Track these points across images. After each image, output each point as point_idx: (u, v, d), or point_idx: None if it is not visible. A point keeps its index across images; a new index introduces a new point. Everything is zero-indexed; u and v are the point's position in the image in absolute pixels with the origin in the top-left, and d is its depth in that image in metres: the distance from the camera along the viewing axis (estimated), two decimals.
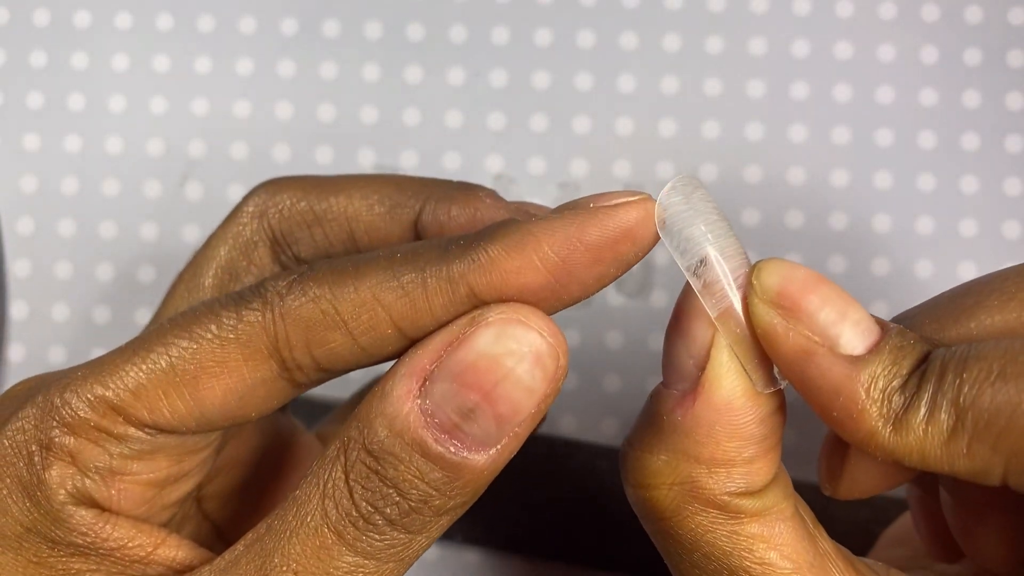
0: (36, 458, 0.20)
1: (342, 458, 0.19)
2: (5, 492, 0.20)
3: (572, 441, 0.35)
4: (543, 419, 0.29)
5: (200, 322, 0.20)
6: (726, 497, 0.19)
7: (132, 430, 0.20)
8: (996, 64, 0.37)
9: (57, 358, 0.37)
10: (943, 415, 0.18)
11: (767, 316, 0.19)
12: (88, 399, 0.20)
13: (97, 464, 0.20)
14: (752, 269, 0.19)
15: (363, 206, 0.24)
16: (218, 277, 0.24)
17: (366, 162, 0.37)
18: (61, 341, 0.37)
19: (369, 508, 0.19)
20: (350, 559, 0.19)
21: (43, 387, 0.20)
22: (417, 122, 0.37)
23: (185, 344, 0.20)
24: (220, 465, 0.25)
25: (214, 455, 0.23)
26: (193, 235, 0.37)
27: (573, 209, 0.19)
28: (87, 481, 0.20)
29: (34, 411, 0.20)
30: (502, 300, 0.19)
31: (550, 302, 0.19)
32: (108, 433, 0.20)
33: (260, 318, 0.19)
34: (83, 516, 0.20)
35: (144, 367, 0.20)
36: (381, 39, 0.38)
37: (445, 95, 0.38)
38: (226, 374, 0.19)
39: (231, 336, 0.19)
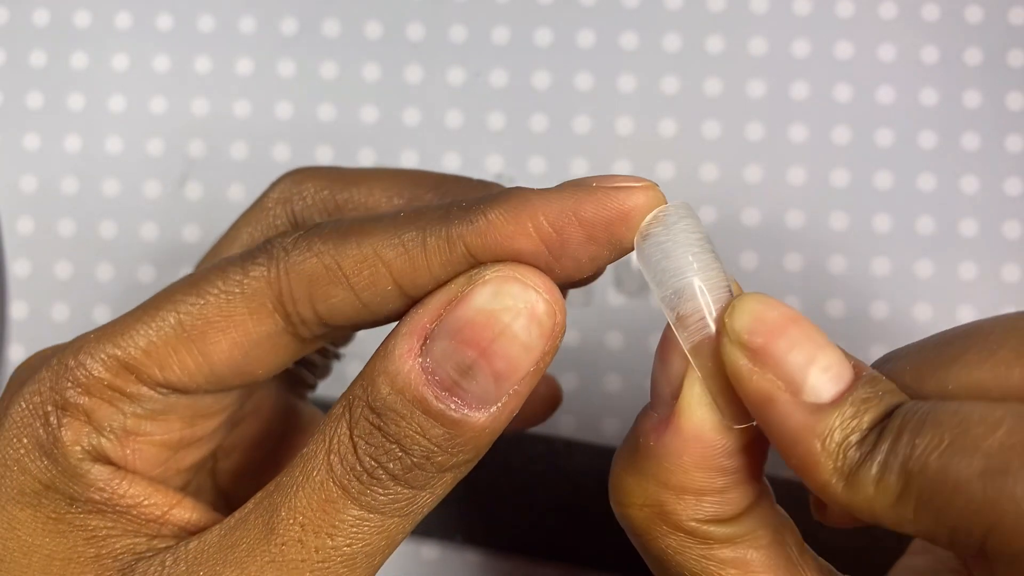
0: (52, 418, 0.20)
1: (347, 415, 0.19)
2: (23, 452, 0.20)
3: (572, 441, 0.35)
4: (552, 411, 0.29)
5: (207, 279, 0.20)
6: (694, 524, 0.19)
7: (145, 389, 0.20)
8: (996, 64, 0.37)
9: None
10: (892, 477, 0.17)
11: (733, 357, 0.19)
12: (101, 359, 0.20)
13: (112, 423, 0.20)
14: (728, 305, 0.19)
15: (383, 197, 0.24)
16: None
17: (366, 162, 0.37)
18: (61, 341, 0.37)
19: (373, 463, 0.19)
20: (355, 512, 0.19)
21: (57, 352, 0.21)
22: (417, 122, 0.37)
23: (192, 300, 0.20)
24: (236, 442, 0.26)
25: (227, 426, 0.23)
26: (193, 235, 0.37)
27: (575, 185, 0.19)
28: (103, 440, 0.20)
29: (49, 374, 0.20)
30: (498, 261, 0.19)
31: (544, 272, 0.19)
32: (121, 392, 0.20)
33: (265, 273, 0.20)
34: (100, 472, 0.20)
35: (153, 325, 0.20)
36: (381, 39, 0.38)
37: (445, 95, 0.38)
38: (232, 328, 0.20)
39: (236, 291, 0.20)
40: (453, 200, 0.20)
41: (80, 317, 0.37)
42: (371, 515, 0.19)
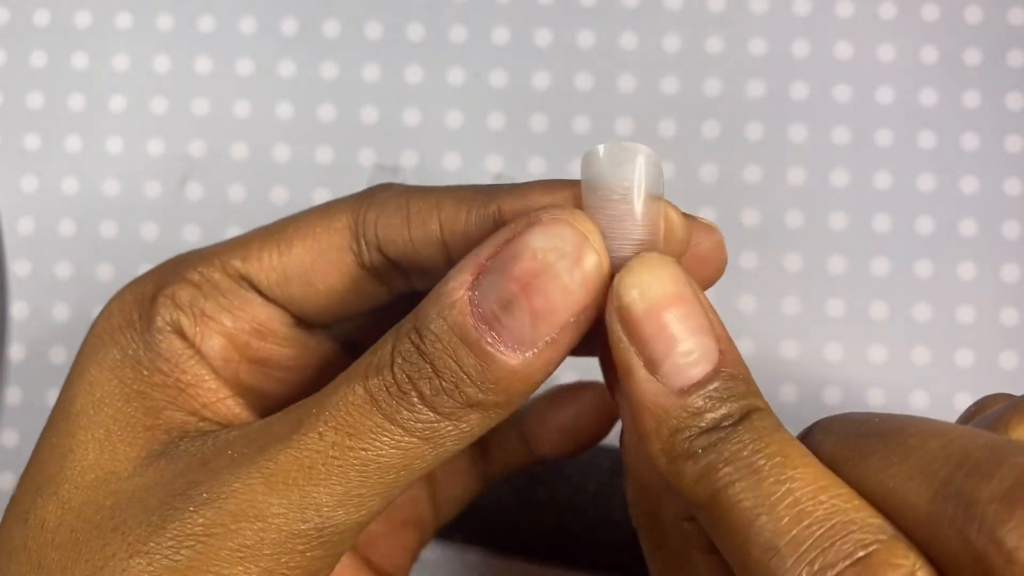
0: (148, 302, 0.23)
1: (395, 334, 0.20)
2: (115, 326, 0.23)
3: None
4: (612, 423, 0.29)
5: (309, 210, 0.24)
6: (669, 517, 0.20)
7: (226, 279, 0.23)
8: (996, 64, 0.37)
9: (57, 358, 0.37)
10: (704, 491, 0.18)
11: (610, 319, 0.19)
12: (199, 256, 0.23)
13: (192, 302, 0.23)
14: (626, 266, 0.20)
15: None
16: None
17: (366, 162, 0.37)
18: (61, 341, 0.37)
19: (404, 378, 0.20)
20: (377, 419, 0.20)
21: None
22: (417, 122, 0.37)
23: (289, 218, 0.24)
24: (290, 394, 0.27)
25: (285, 371, 0.25)
26: (193, 235, 0.37)
27: None
28: (181, 315, 0.23)
29: (155, 271, 0.24)
30: None
31: None
32: (207, 279, 0.23)
33: (353, 203, 0.23)
34: (172, 343, 0.22)
35: (250, 234, 0.24)
36: (381, 39, 0.38)
37: (445, 95, 0.38)
38: (310, 237, 0.23)
39: (325, 210, 0.23)
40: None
41: (80, 317, 0.37)
42: (392, 427, 0.20)
